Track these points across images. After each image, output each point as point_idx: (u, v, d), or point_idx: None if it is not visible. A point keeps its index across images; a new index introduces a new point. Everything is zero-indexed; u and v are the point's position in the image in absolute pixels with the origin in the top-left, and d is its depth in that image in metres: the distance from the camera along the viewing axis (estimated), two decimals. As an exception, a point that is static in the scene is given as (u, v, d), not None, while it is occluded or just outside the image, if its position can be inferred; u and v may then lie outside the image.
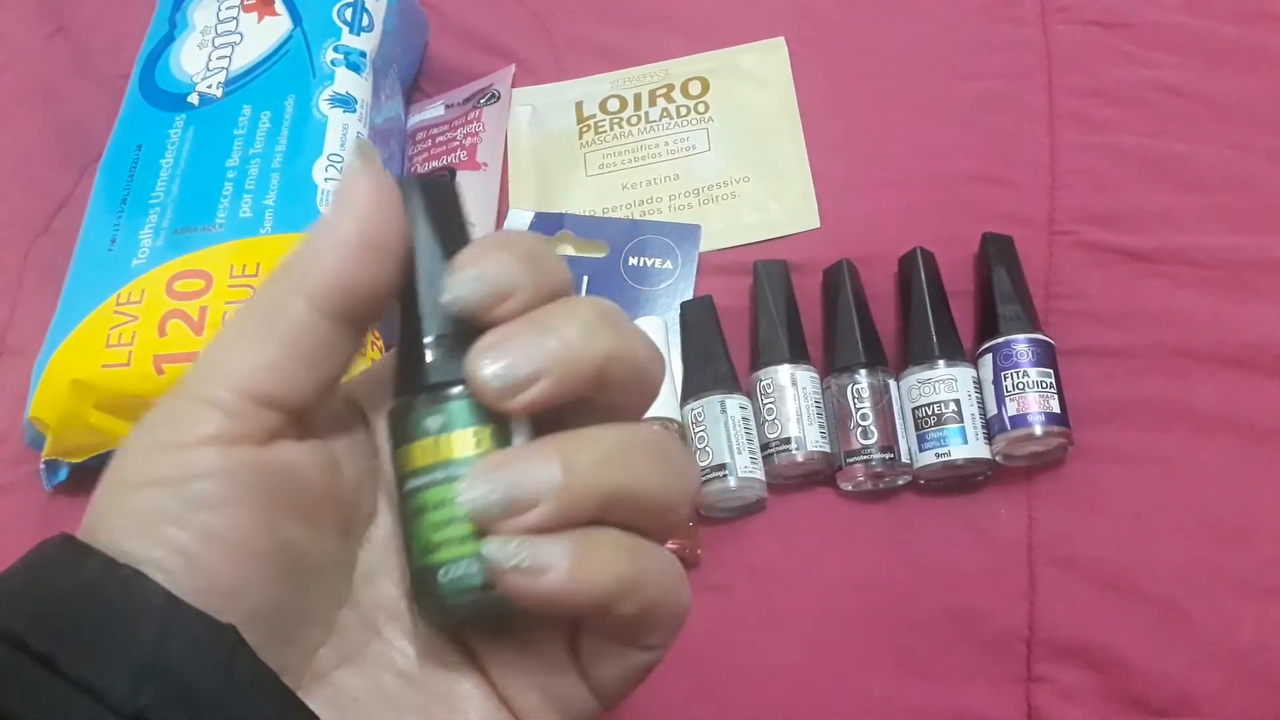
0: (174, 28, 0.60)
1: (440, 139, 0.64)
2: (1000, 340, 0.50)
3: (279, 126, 0.55)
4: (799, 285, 0.55)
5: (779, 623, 0.50)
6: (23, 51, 0.70)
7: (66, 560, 0.22)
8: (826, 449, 0.51)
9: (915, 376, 0.51)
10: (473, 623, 0.25)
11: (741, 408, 0.51)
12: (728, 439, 0.50)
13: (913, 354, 0.51)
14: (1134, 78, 0.58)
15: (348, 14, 0.58)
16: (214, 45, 0.58)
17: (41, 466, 0.54)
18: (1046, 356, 0.50)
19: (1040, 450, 0.50)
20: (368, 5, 0.59)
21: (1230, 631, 0.46)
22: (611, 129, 0.62)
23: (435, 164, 0.63)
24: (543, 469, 0.23)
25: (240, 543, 0.22)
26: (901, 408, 0.51)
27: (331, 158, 0.53)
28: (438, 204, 0.25)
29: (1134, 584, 0.47)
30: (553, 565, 0.22)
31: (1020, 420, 0.49)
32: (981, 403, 0.50)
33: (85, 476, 0.54)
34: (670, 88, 0.63)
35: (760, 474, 0.51)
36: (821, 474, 0.52)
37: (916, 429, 0.50)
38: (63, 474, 0.54)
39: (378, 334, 0.51)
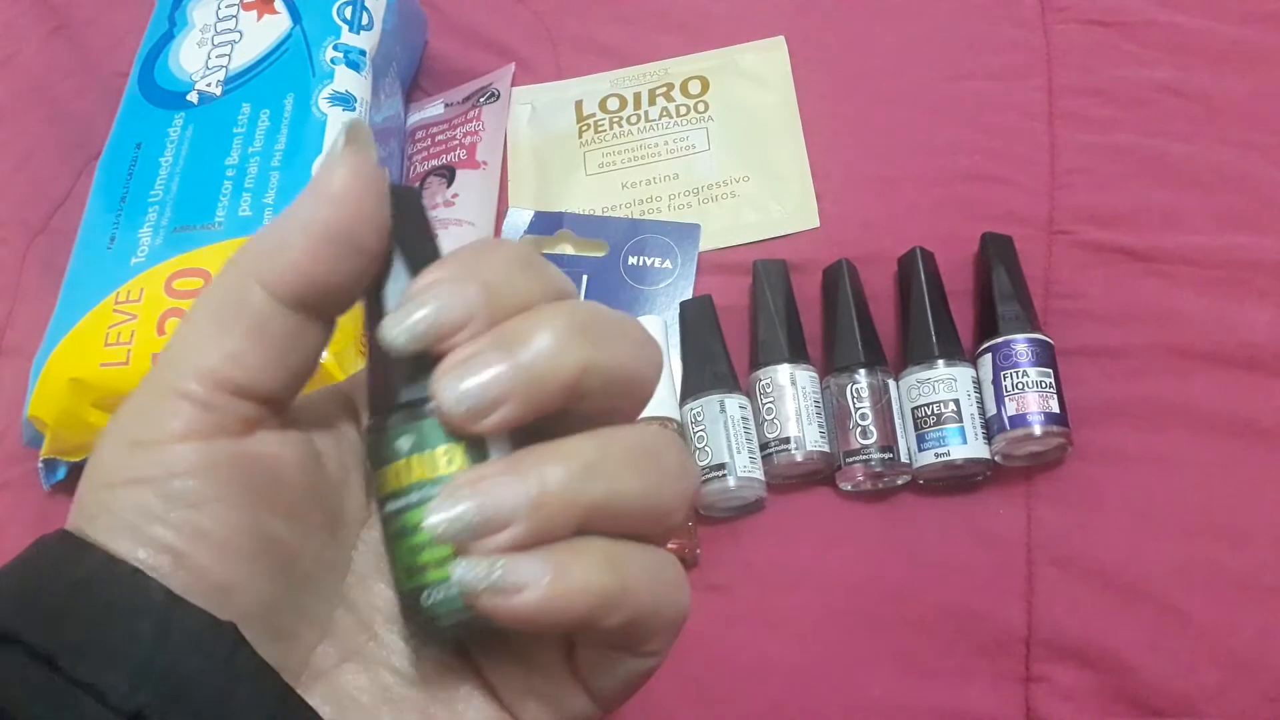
0: (173, 26, 0.60)
1: (440, 138, 0.64)
2: (1000, 340, 0.50)
3: (278, 125, 0.55)
4: (798, 285, 0.55)
5: (778, 622, 0.50)
6: (22, 49, 0.69)
7: (64, 557, 0.22)
8: (826, 449, 0.51)
9: (914, 376, 0.51)
10: (464, 639, 0.25)
11: (741, 407, 0.51)
12: (727, 439, 0.50)
13: (912, 354, 0.51)
14: (1134, 77, 0.58)
15: (347, 12, 0.58)
16: (213, 43, 0.58)
17: (40, 465, 0.54)
18: (1046, 356, 0.50)
19: (1039, 450, 0.50)
20: (367, 4, 0.59)
21: (1229, 632, 0.46)
22: (611, 128, 0.62)
23: (435, 163, 0.63)
24: (513, 488, 0.22)
25: (227, 540, 0.22)
26: (901, 407, 0.51)
27: (331, 156, 0.53)
28: (404, 215, 0.24)
29: (1133, 584, 0.47)
30: (528, 584, 0.22)
31: (1019, 420, 0.49)
32: (981, 403, 0.50)
33: (84, 475, 0.54)
34: (670, 87, 0.63)
35: (759, 474, 0.51)
36: (821, 474, 0.52)
37: (916, 429, 0.50)
38: (61, 473, 0.54)
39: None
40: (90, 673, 0.20)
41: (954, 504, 0.51)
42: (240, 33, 0.58)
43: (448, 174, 0.62)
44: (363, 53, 0.58)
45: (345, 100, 0.56)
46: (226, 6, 0.59)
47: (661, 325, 0.54)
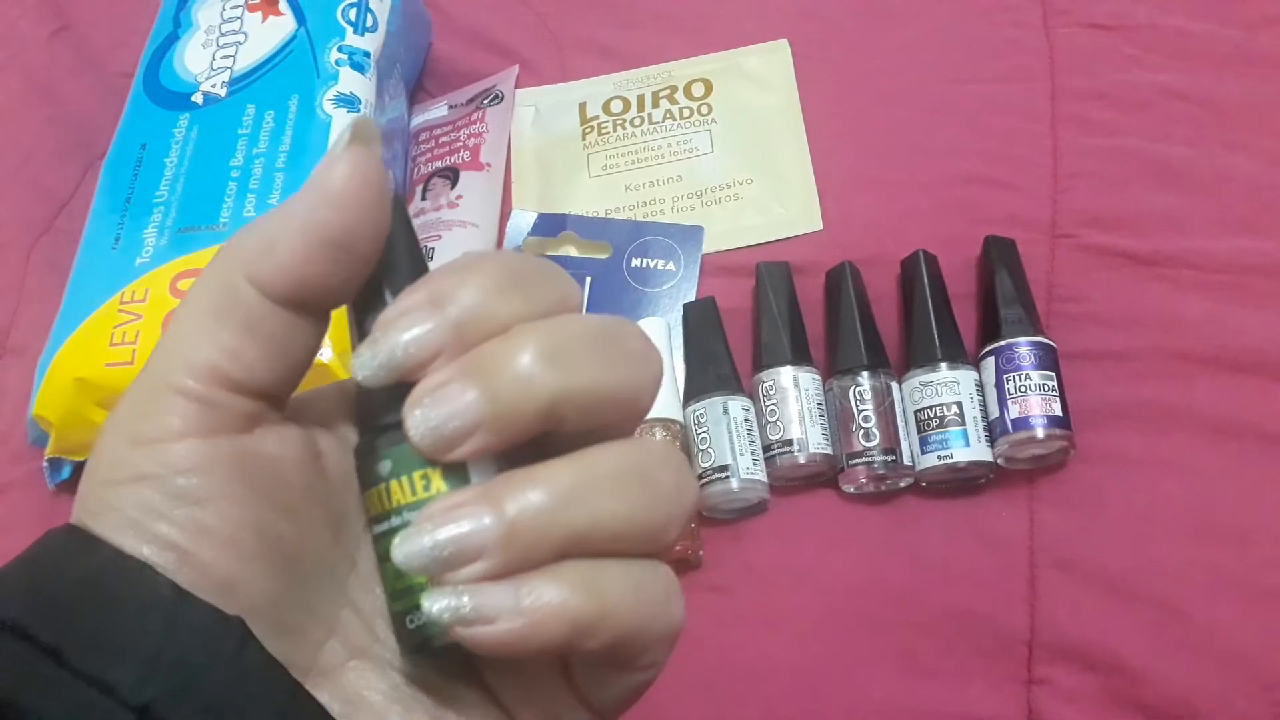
0: (178, 27, 0.60)
1: (444, 139, 0.64)
2: (1002, 343, 0.50)
3: (283, 126, 0.55)
4: (801, 287, 0.55)
5: (780, 623, 0.50)
6: (26, 50, 0.70)
7: (72, 551, 0.22)
8: (829, 451, 0.51)
9: (917, 379, 0.51)
10: (455, 659, 0.25)
11: (744, 409, 0.51)
12: (730, 440, 0.50)
13: (915, 356, 0.52)
14: (1136, 81, 0.58)
15: (352, 14, 0.58)
16: (218, 45, 0.58)
17: (44, 465, 0.54)
18: (1048, 359, 0.50)
19: (1042, 453, 0.50)
20: (372, 5, 0.59)
21: (1231, 634, 0.46)
22: (615, 130, 0.62)
23: (438, 164, 0.63)
24: (484, 519, 0.21)
25: (230, 537, 0.22)
26: (904, 410, 0.51)
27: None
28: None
29: (1135, 587, 0.47)
30: (498, 615, 0.21)
31: (1022, 423, 0.49)
32: (983, 405, 0.50)
33: (88, 475, 0.54)
34: (673, 89, 0.63)
35: (762, 475, 0.51)
36: (823, 476, 0.52)
37: (918, 431, 0.50)
38: (65, 472, 0.54)
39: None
40: (99, 666, 0.20)
41: (956, 506, 0.51)
42: (245, 34, 0.58)
43: (452, 176, 0.62)
44: (367, 54, 0.58)
45: (350, 102, 0.56)
46: (231, 8, 0.59)
47: (664, 327, 0.54)
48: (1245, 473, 0.49)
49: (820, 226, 0.58)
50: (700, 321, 0.54)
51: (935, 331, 0.51)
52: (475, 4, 0.68)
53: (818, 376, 0.52)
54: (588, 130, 0.63)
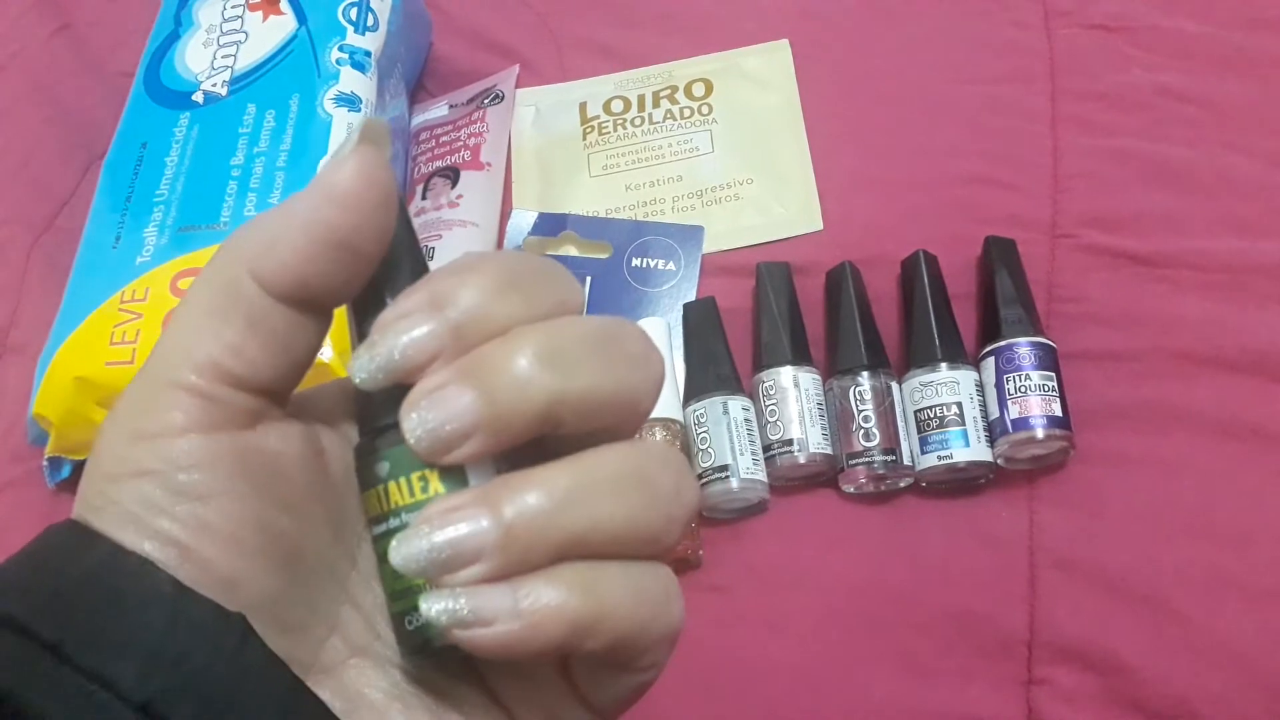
0: (179, 26, 0.60)
1: (444, 139, 0.64)
2: (1002, 343, 0.50)
3: (283, 125, 0.55)
4: (801, 287, 0.55)
5: (780, 623, 0.50)
6: (26, 48, 0.70)
7: (73, 546, 0.22)
8: (829, 451, 0.51)
9: (917, 379, 0.51)
10: (454, 661, 0.25)
11: (744, 409, 0.51)
12: (730, 440, 0.50)
13: (915, 356, 0.52)
14: (1136, 82, 0.58)
15: (353, 13, 0.58)
16: (219, 44, 0.58)
17: (44, 463, 0.54)
18: (1048, 360, 0.50)
19: (1042, 453, 0.50)
20: (373, 5, 0.59)
21: (1231, 635, 0.46)
22: (615, 130, 0.63)
23: (439, 164, 0.63)
24: (481, 522, 0.21)
25: (232, 534, 0.22)
26: (904, 410, 0.51)
27: (336, 157, 0.54)
28: None
29: (1135, 587, 0.47)
30: (497, 617, 0.21)
31: (1022, 423, 0.49)
32: (983, 405, 0.50)
33: (88, 474, 0.54)
34: (674, 89, 0.63)
35: (762, 475, 0.51)
36: (823, 476, 0.52)
37: (918, 431, 0.51)
38: (65, 471, 0.54)
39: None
40: (100, 662, 0.20)
41: (956, 506, 0.51)
42: (246, 33, 0.58)
43: (452, 175, 0.62)
44: (368, 54, 0.58)
45: (350, 101, 0.56)
46: (232, 7, 0.59)
47: (665, 327, 0.54)
48: (1245, 473, 0.49)
49: (820, 226, 0.58)
50: (700, 321, 0.54)
51: (935, 332, 0.51)
52: (476, 4, 0.68)
53: (818, 376, 0.52)
54: (588, 130, 0.63)
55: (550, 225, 0.60)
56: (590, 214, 0.60)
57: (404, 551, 0.21)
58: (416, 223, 0.56)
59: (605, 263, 0.58)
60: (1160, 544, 0.48)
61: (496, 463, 0.23)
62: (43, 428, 0.52)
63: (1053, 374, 0.50)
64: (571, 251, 0.59)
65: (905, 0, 0.63)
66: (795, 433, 0.51)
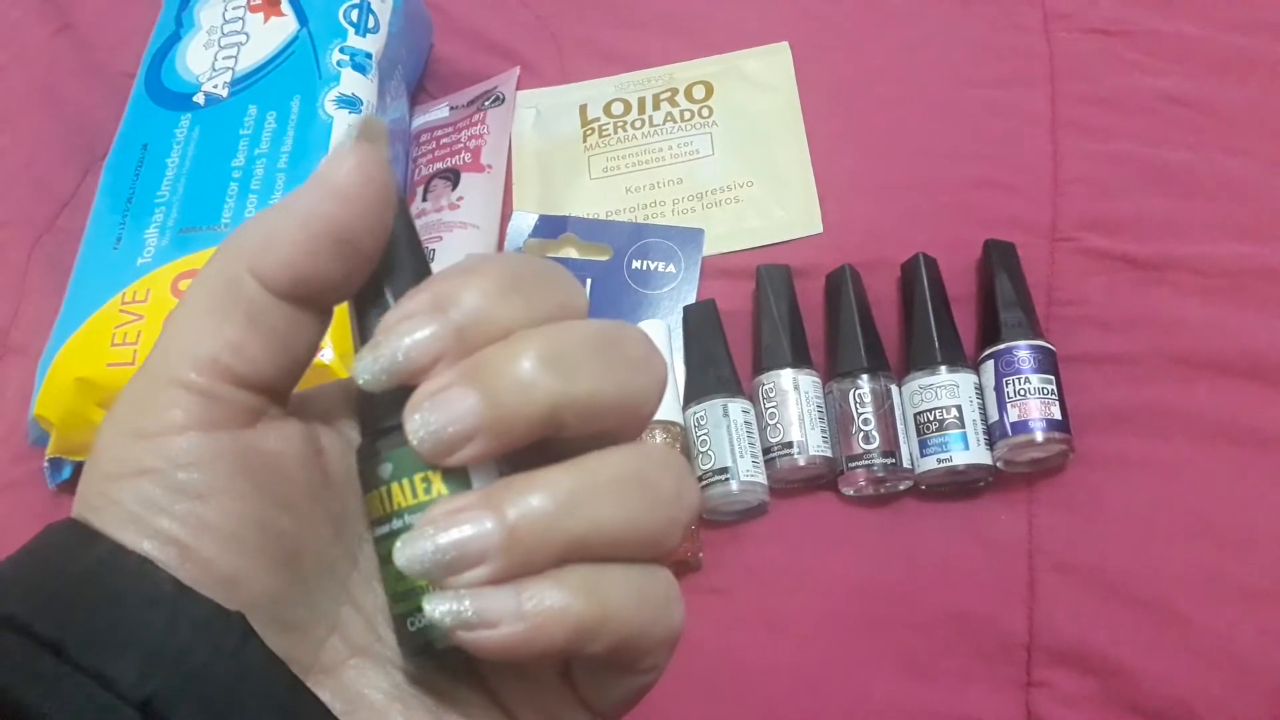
0: (180, 27, 0.60)
1: (445, 141, 0.64)
2: (1002, 346, 0.50)
3: (284, 127, 0.55)
4: (801, 290, 0.55)
5: (780, 625, 0.50)
6: (27, 49, 0.70)
7: (73, 545, 0.22)
8: (828, 453, 0.51)
9: (917, 382, 0.51)
10: (455, 662, 0.25)
11: (744, 411, 0.51)
12: (730, 443, 0.51)
13: (915, 359, 0.52)
14: (1136, 86, 0.58)
15: (354, 15, 0.58)
16: (220, 45, 0.58)
17: (45, 464, 0.54)
18: (1048, 363, 0.50)
19: (1041, 456, 0.50)
20: (374, 7, 0.59)
21: (1230, 638, 0.46)
22: (615, 132, 0.63)
23: (439, 166, 0.63)
24: (485, 524, 0.21)
25: (232, 533, 0.22)
26: (903, 413, 0.51)
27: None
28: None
29: (1134, 590, 0.48)
30: (501, 619, 0.21)
31: (1021, 426, 0.49)
32: (983, 408, 0.51)
33: (88, 475, 0.54)
34: (674, 91, 0.63)
35: (762, 478, 0.51)
36: (823, 478, 0.52)
37: (918, 434, 0.51)
38: (66, 472, 0.54)
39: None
40: (99, 661, 0.20)
41: (956, 509, 0.51)
42: (247, 35, 0.58)
43: (452, 177, 0.62)
44: (369, 56, 0.58)
45: (351, 103, 0.56)
46: (233, 9, 0.59)
47: (665, 329, 0.54)
48: (1244, 476, 0.49)
49: (820, 229, 0.58)
50: (700, 324, 0.54)
51: (935, 334, 0.51)
52: (476, 6, 0.68)
53: (818, 379, 0.52)
54: (588, 132, 0.63)
55: (550, 227, 0.60)
56: (590, 216, 0.60)
57: (408, 553, 0.21)
58: (417, 225, 0.56)
59: (605, 265, 0.58)
60: (1159, 547, 0.48)
61: (499, 465, 0.23)
62: (44, 429, 0.52)
63: (1052, 377, 0.50)
64: (572, 254, 0.59)
65: (905, 3, 0.63)
66: (795, 435, 0.51)
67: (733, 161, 0.61)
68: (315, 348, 0.24)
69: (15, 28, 0.70)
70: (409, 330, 0.22)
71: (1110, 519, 0.49)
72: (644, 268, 0.58)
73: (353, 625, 0.25)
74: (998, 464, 0.50)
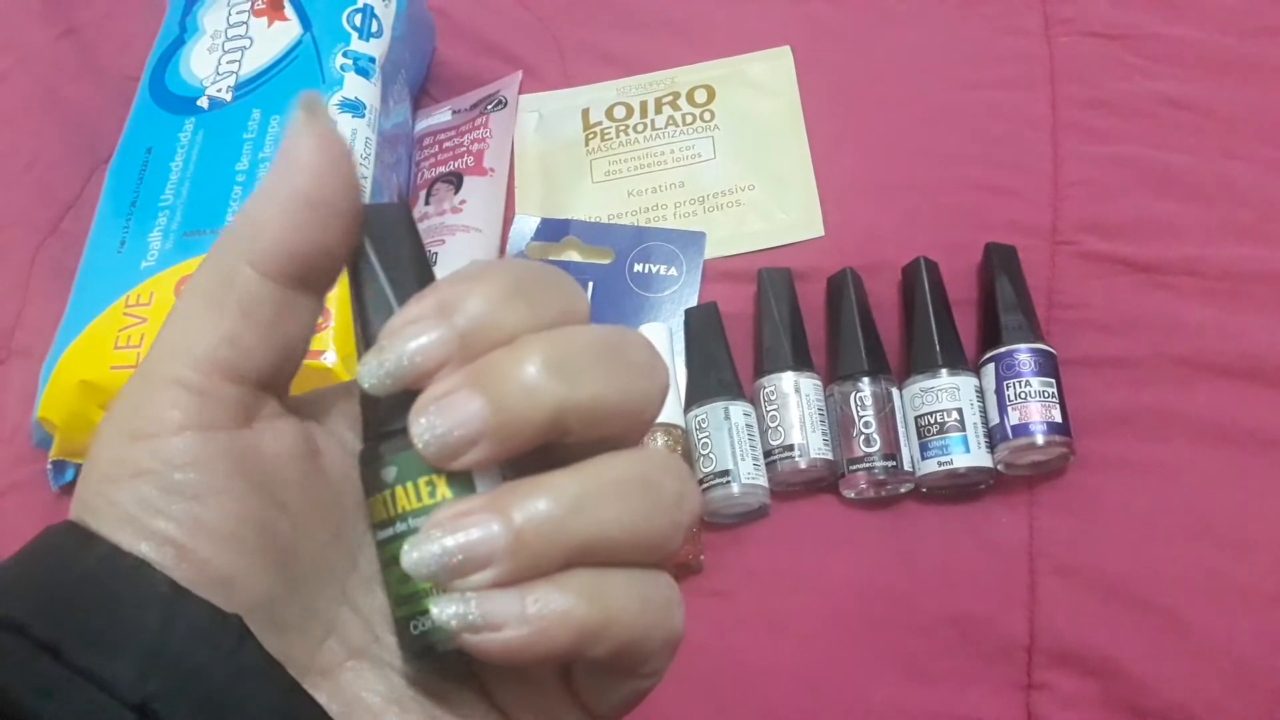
0: (184, 31, 0.60)
1: (447, 144, 0.64)
2: (1003, 349, 0.51)
3: (288, 131, 0.55)
4: (803, 293, 0.55)
5: (781, 628, 0.50)
6: (31, 53, 0.70)
7: (71, 548, 0.22)
8: (829, 456, 0.51)
9: (918, 385, 0.51)
10: (457, 665, 0.25)
11: (745, 414, 0.52)
12: (731, 445, 0.51)
13: (916, 362, 0.52)
14: (1137, 89, 0.59)
15: (357, 20, 0.59)
16: (224, 49, 0.58)
17: (48, 467, 0.54)
18: (1049, 366, 0.50)
19: (1042, 459, 0.50)
20: (377, 11, 0.60)
21: (1230, 641, 0.46)
22: (618, 136, 0.63)
23: (442, 169, 0.63)
24: (492, 527, 0.21)
25: (229, 533, 0.22)
26: (904, 416, 0.51)
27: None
28: (390, 233, 0.24)
29: (1134, 592, 0.48)
30: (507, 622, 0.21)
31: (1022, 429, 0.49)
32: (984, 411, 0.51)
33: (92, 477, 0.54)
34: (676, 95, 0.63)
35: (763, 480, 0.51)
36: (824, 481, 0.52)
37: (919, 437, 0.51)
38: (69, 474, 0.55)
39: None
40: (97, 663, 0.20)
41: (957, 512, 0.51)
42: (251, 39, 0.58)
43: (455, 180, 0.62)
44: (372, 60, 0.58)
45: (354, 107, 0.56)
46: (237, 13, 0.59)
47: (666, 332, 0.55)
48: (1244, 479, 0.49)
49: (822, 232, 0.58)
50: (702, 327, 0.55)
51: (936, 337, 0.52)
52: (479, 9, 0.69)
53: (819, 382, 0.52)
54: (591, 136, 0.63)
55: (553, 231, 0.60)
56: (593, 220, 0.61)
57: (415, 556, 0.22)
58: (420, 228, 0.56)
59: (607, 268, 0.59)
60: (1160, 549, 0.48)
61: (502, 470, 0.23)
62: (47, 431, 0.52)
63: (1053, 380, 0.50)
64: (574, 257, 0.60)
65: (906, 7, 0.64)
66: (796, 438, 0.51)
67: (734, 165, 0.61)
68: (309, 336, 0.25)
69: (19, 32, 0.71)
70: (414, 335, 0.23)
71: (1111, 521, 0.49)
72: (646, 271, 0.58)
73: (351, 627, 0.25)
74: (998, 467, 0.50)
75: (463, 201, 0.61)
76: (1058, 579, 0.49)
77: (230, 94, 0.57)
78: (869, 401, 0.51)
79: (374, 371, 0.23)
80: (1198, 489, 0.49)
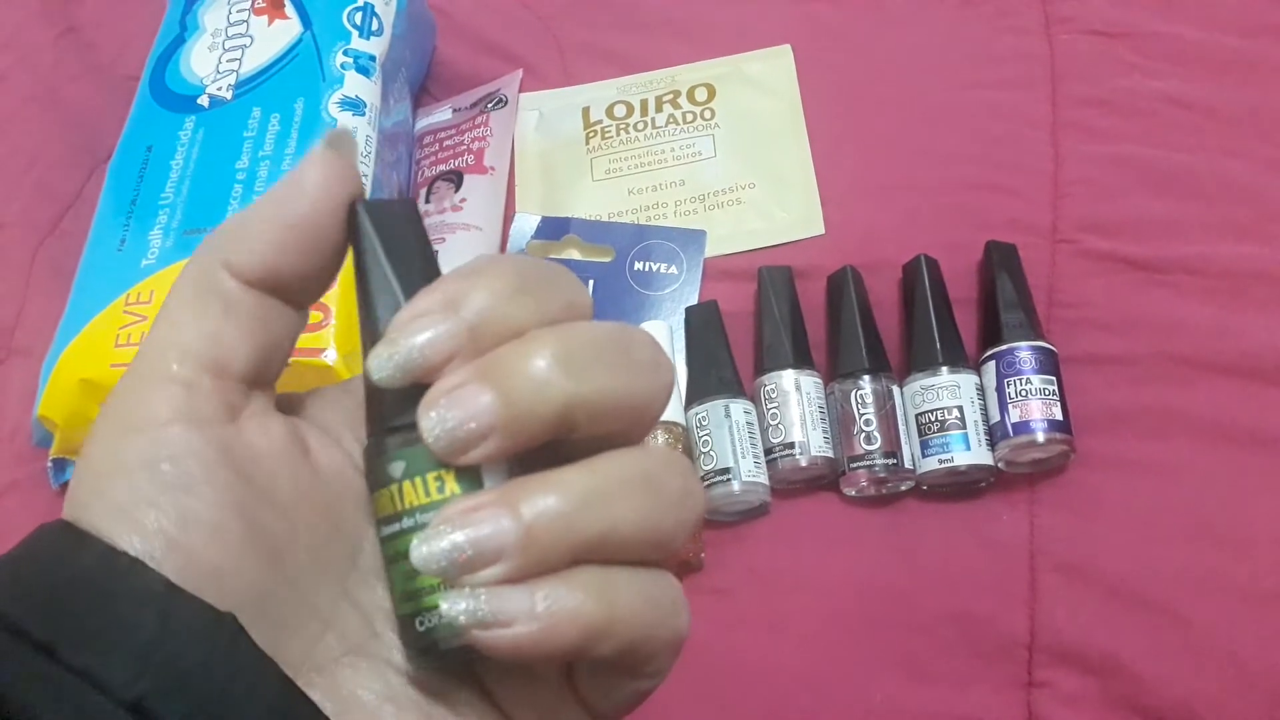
0: (184, 30, 0.60)
1: (448, 143, 0.64)
2: (1003, 347, 0.51)
3: (288, 129, 0.55)
4: (803, 291, 0.55)
5: (781, 626, 0.50)
6: (31, 52, 0.70)
7: (65, 547, 0.22)
8: (830, 454, 0.51)
9: (919, 383, 0.51)
10: (460, 664, 0.25)
11: (746, 412, 0.52)
12: (732, 443, 0.51)
13: (916, 360, 0.52)
14: (1137, 88, 0.59)
15: (357, 18, 0.59)
16: (224, 48, 0.58)
17: (48, 465, 0.54)
18: (1049, 364, 0.50)
19: (1042, 457, 0.50)
20: (377, 9, 0.60)
21: (1231, 638, 0.46)
22: (618, 134, 0.63)
23: (443, 168, 0.63)
24: (503, 523, 0.21)
25: (217, 524, 0.22)
26: (905, 414, 0.51)
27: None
28: (397, 229, 0.24)
29: (1135, 590, 0.48)
30: (516, 618, 0.21)
31: (1023, 427, 0.49)
32: (984, 409, 0.51)
33: (92, 475, 0.54)
34: (677, 94, 0.63)
35: (764, 478, 0.51)
36: (825, 479, 0.52)
37: (920, 435, 0.51)
38: (69, 472, 0.55)
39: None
40: (91, 662, 0.20)
41: (957, 510, 0.51)
42: (251, 37, 0.58)
43: (455, 179, 0.62)
44: (372, 58, 0.58)
45: (355, 105, 0.56)
46: (237, 11, 0.59)
47: (667, 330, 0.55)
48: (1245, 477, 0.49)
49: (822, 231, 0.58)
50: (702, 325, 0.55)
51: (936, 335, 0.52)
52: (479, 8, 0.69)
53: (819, 380, 0.52)
54: (591, 134, 0.63)
55: (553, 229, 0.60)
56: (593, 218, 0.61)
57: (425, 550, 0.22)
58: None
59: (608, 266, 0.59)
60: (1160, 547, 0.48)
61: (509, 466, 0.23)
62: (47, 429, 0.52)
63: (1053, 378, 0.50)
64: (574, 255, 0.60)
65: (907, 6, 0.64)
66: (797, 436, 0.51)
67: (735, 163, 0.61)
68: (293, 339, 0.25)
69: (19, 31, 0.71)
70: (423, 327, 0.23)
71: (1111, 519, 0.49)
72: (646, 269, 0.58)
73: (349, 622, 0.25)
74: (999, 464, 0.50)
75: (463, 200, 0.61)
76: (1058, 577, 0.49)
77: (230, 92, 0.57)
78: (869, 399, 0.51)
79: (384, 364, 0.23)
80: (1198, 487, 0.49)
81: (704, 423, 0.51)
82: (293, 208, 0.23)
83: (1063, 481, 0.50)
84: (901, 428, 0.51)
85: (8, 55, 0.70)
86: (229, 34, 0.59)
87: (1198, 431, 0.50)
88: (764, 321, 0.54)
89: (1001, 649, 0.48)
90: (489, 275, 0.23)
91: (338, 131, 0.25)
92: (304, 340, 0.43)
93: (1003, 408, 0.50)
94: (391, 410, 0.23)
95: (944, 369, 0.51)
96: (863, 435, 0.50)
